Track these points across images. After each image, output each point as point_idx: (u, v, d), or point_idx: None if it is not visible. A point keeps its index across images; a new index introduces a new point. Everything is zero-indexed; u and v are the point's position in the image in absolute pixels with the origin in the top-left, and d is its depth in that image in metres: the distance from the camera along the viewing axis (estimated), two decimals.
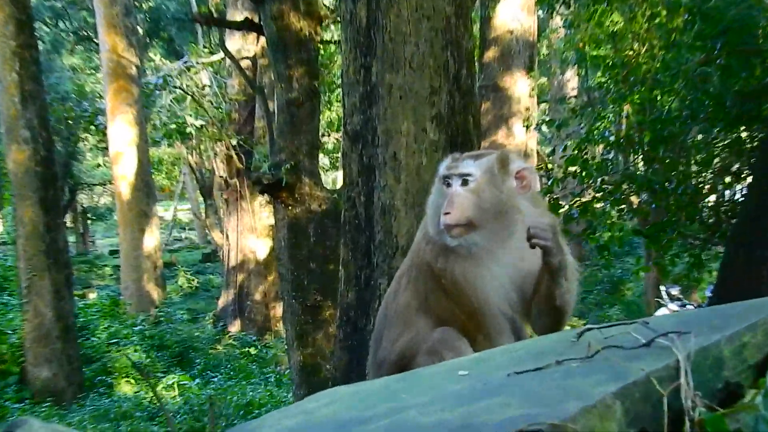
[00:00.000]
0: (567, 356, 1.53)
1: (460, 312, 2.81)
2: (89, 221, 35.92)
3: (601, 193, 7.78)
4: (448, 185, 2.86)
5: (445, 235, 2.79)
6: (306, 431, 1.52)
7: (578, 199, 7.86)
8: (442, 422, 1.33)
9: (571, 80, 21.60)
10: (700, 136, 8.18)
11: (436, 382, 1.68)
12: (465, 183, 2.82)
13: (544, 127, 13.98)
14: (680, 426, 1.32)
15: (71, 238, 29.93)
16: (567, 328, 2.90)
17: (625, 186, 7.71)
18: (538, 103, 17.54)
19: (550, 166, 10.63)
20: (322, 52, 15.08)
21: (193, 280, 25.92)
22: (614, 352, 1.49)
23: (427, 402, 1.47)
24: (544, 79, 23.62)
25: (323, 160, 25.33)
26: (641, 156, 8.03)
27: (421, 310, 2.90)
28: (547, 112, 22.37)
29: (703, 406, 1.33)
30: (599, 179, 7.67)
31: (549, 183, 7.98)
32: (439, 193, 2.92)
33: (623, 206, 8.09)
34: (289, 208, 9.75)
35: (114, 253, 29.25)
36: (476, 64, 13.34)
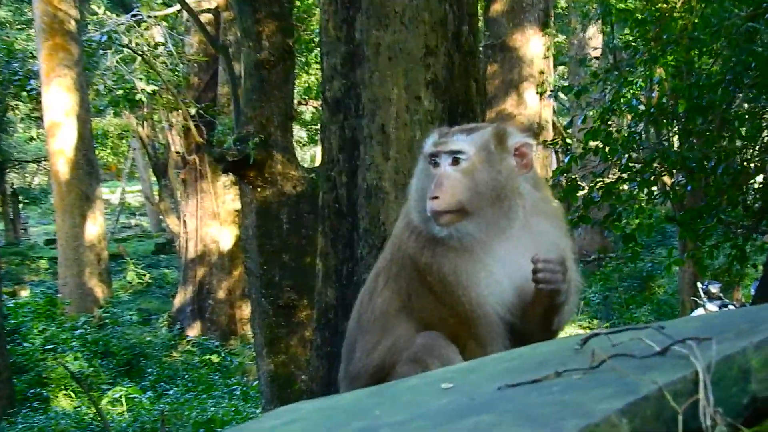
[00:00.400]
0: (568, 366, 1.55)
1: (449, 314, 2.82)
2: (21, 205, 35.77)
3: (628, 173, 7.79)
4: (436, 165, 2.85)
5: (432, 224, 2.80)
6: None
7: (601, 179, 7.87)
8: None
9: (594, 38, 21.60)
10: (745, 106, 8.20)
11: (416, 396, 1.69)
12: (456, 162, 2.82)
13: (561, 94, 13.99)
14: None
15: None
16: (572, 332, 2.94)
17: (656, 164, 7.73)
18: (555, 66, 17.55)
19: (568, 140, 10.65)
20: (297, 3, 15.04)
21: (144, 275, 25.90)
22: (623, 362, 1.51)
23: (403, 420, 1.49)
24: (561, 37, 23.61)
25: (299, 132, 25.29)
26: (676, 129, 8.05)
27: (403, 312, 2.91)
28: (565, 77, 22.40)
29: (725, 425, 1.35)
30: (625, 156, 7.68)
31: (566, 160, 8.00)
32: (424, 174, 2.92)
33: (654, 188, 8.11)
34: (258, 190, 9.74)
35: (51, 242, 29.18)
36: (480, 19, 13.36)
